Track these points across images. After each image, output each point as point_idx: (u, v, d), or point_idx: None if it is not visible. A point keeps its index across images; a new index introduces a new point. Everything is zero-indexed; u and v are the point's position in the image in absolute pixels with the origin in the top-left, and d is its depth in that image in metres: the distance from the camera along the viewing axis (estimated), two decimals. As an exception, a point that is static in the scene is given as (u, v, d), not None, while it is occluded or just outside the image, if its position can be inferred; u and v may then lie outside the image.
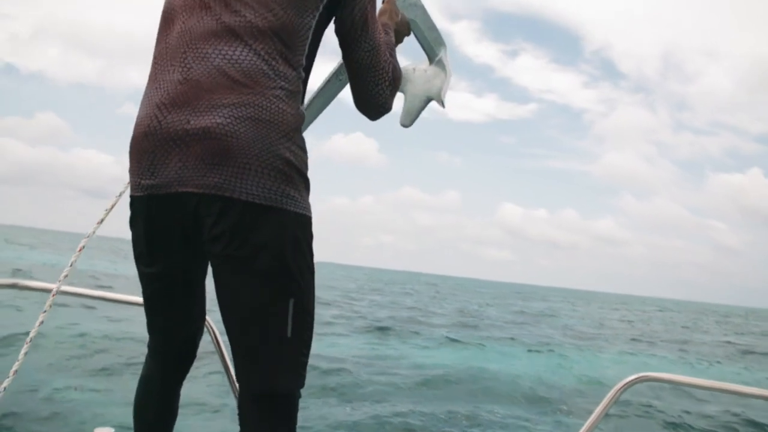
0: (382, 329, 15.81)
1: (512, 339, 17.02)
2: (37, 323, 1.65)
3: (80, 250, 1.70)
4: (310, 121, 1.86)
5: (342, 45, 1.55)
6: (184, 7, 1.42)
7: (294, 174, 1.34)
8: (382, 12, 1.71)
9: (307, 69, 1.48)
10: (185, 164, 1.30)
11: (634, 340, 21.52)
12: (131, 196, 1.44)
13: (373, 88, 1.55)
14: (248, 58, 1.34)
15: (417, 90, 1.86)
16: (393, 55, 1.62)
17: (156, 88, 1.39)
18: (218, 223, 1.30)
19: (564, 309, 42.95)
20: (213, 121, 1.29)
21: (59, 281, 1.73)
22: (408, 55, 1.88)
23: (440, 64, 1.88)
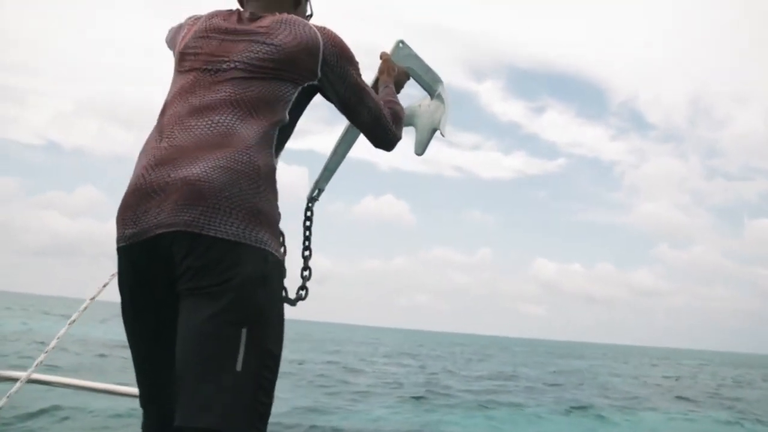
0: (417, 398, 15.38)
1: (550, 401, 16.44)
2: None
3: (58, 338, 1.81)
4: (338, 164, 2.17)
5: (344, 114, 1.74)
6: (176, 96, 1.57)
7: (263, 219, 1.41)
8: (381, 72, 1.95)
9: (292, 123, 1.60)
10: (162, 209, 1.37)
11: (679, 398, 20.58)
12: (117, 249, 1.48)
13: (382, 133, 1.76)
14: (226, 122, 1.46)
15: (424, 123, 2.13)
16: (392, 102, 1.81)
17: (145, 156, 1.50)
18: (186, 257, 1.34)
19: (603, 366, 41.59)
20: (190, 171, 1.39)
21: (34, 366, 1.76)
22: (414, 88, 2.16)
23: (440, 98, 2.14)
